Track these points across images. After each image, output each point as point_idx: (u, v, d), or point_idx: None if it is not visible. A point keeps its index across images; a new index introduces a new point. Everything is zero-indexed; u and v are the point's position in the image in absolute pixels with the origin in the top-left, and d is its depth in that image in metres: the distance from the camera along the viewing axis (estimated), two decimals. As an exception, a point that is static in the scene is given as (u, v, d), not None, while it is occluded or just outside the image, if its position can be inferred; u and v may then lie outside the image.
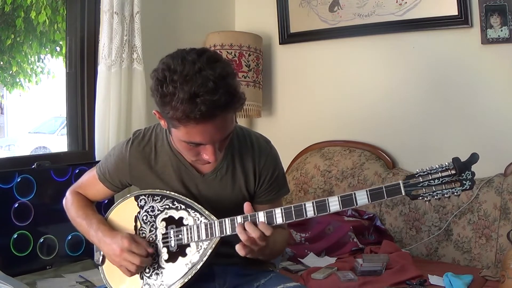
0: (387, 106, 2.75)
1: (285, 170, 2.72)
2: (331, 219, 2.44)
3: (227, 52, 2.80)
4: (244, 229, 1.27)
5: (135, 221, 1.42)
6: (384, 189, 1.22)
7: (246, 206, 1.30)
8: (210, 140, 1.24)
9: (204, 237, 1.33)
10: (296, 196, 2.85)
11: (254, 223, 1.27)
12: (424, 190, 1.21)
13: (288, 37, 3.07)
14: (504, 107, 2.40)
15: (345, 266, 2.14)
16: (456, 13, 2.47)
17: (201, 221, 1.34)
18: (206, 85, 1.15)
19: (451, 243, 2.37)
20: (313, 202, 1.26)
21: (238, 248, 1.26)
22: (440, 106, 2.59)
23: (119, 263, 1.35)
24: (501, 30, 2.35)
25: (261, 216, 1.29)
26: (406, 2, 2.62)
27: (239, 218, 1.30)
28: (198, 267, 1.32)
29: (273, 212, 1.29)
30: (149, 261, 1.36)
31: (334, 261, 2.26)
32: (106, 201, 1.84)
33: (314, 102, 3.02)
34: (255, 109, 2.89)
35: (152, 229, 1.39)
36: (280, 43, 3.11)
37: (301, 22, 3.00)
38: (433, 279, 2.00)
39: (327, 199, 1.26)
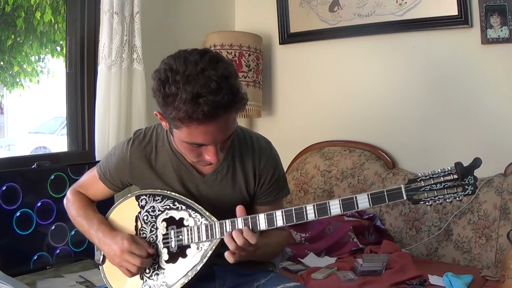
0: (387, 106, 2.75)
1: (285, 170, 2.72)
2: (331, 219, 2.43)
3: (227, 52, 2.80)
4: (232, 237, 1.27)
5: (136, 221, 1.42)
6: (385, 193, 1.22)
7: (239, 209, 1.30)
8: (213, 141, 1.24)
9: (204, 238, 1.33)
10: (296, 196, 2.85)
11: (241, 231, 1.28)
12: (425, 194, 1.21)
13: (288, 37, 3.07)
14: (504, 107, 2.40)
15: (345, 266, 2.14)
16: (456, 13, 2.47)
17: (201, 222, 1.34)
18: (208, 85, 1.15)
19: (451, 243, 2.37)
20: (314, 205, 1.26)
21: (227, 255, 1.27)
22: (440, 106, 2.59)
23: (119, 263, 1.36)
24: (501, 30, 2.35)
25: (262, 219, 1.29)
26: (406, 2, 2.62)
27: (239, 220, 1.30)
28: (198, 268, 1.32)
29: (274, 214, 1.29)
30: (149, 262, 1.36)
31: (334, 261, 2.26)
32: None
33: (314, 102, 3.02)
34: (255, 109, 2.89)
35: (152, 229, 1.39)
36: (280, 43, 3.11)
37: (301, 22, 3.00)
38: (433, 279, 2.00)
39: (328, 202, 1.25)
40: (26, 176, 1.97)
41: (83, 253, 2.08)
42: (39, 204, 1.97)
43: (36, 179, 2.00)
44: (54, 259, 2.01)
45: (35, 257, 1.95)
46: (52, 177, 2.02)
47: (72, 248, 2.06)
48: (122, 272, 1.38)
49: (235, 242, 1.26)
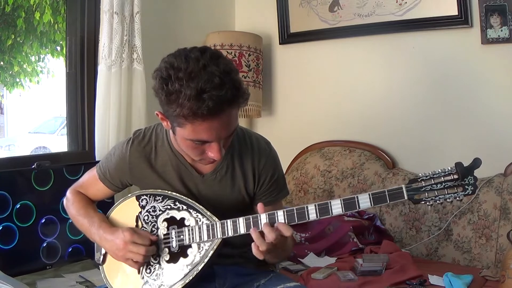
0: (387, 106, 2.75)
1: (285, 170, 2.71)
2: (331, 219, 2.43)
3: (227, 52, 2.80)
4: (262, 235, 1.25)
5: (136, 221, 1.42)
6: (386, 193, 1.22)
7: (259, 207, 1.28)
8: (216, 137, 1.24)
9: (205, 238, 1.33)
10: (296, 196, 2.85)
11: (271, 225, 1.26)
12: (426, 194, 1.21)
13: (288, 37, 3.07)
14: (504, 107, 2.40)
15: (345, 266, 2.14)
16: (456, 13, 2.47)
17: (202, 222, 1.34)
18: (212, 80, 1.16)
19: (451, 243, 2.37)
20: (315, 205, 1.26)
21: (255, 252, 1.24)
22: (440, 106, 2.59)
23: (124, 256, 1.35)
24: (501, 30, 2.35)
25: (263, 218, 1.28)
26: (406, 2, 2.62)
27: (241, 220, 1.30)
28: (199, 268, 1.32)
29: (275, 214, 1.28)
30: (154, 250, 1.36)
31: (334, 261, 2.26)
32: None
33: (314, 102, 3.02)
34: (255, 109, 2.89)
35: (153, 229, 1.39)
36: (280, 43, 3.11)
37: (301, 22, 3.00)
38: (433, 279, 2.00)
39: (330, 202, 1.26)
40: (22, 178, 1.96)
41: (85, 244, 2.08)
42: (18, 206, 1.93)
43: (24, 180, 1.97)
44: (54, 259, 2.02)
45: (37, 256, 1.96)
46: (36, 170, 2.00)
47: (75, 240, 2.06)
48: (126, 268, 1.38)
49: (265, 238, 1.24)
